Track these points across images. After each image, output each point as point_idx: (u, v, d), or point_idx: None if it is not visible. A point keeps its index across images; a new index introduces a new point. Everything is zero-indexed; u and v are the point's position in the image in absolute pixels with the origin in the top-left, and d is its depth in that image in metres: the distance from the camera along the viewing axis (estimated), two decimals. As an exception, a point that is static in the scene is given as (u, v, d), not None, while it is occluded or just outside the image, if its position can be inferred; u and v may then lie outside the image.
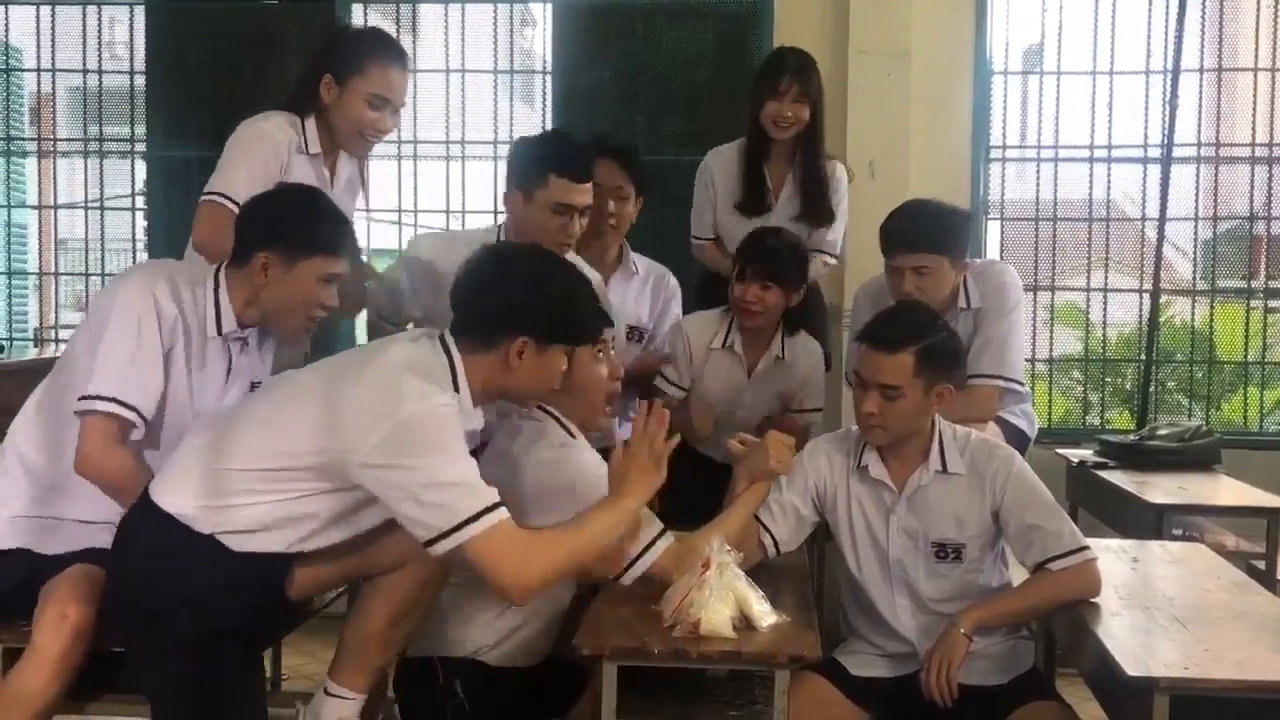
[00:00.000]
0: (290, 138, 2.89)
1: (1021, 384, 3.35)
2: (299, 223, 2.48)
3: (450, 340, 2.29)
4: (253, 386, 2.59)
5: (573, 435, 2.60)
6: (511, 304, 2.28)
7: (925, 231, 3.14)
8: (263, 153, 2.85)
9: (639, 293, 3.68)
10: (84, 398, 2.38)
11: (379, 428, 2.11)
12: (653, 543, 2.46)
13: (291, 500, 2.21)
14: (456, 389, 2.25)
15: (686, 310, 3.81)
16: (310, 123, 2.93)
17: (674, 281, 3.78)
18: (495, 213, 3.18)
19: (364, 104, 2.88)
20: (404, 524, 2.15)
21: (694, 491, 2.89)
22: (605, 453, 2.50)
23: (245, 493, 2.20)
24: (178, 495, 2.23)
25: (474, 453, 2.49)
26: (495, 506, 2.13)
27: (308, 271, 2.46)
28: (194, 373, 2.49)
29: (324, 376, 2.28)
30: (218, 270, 2.51)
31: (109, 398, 2.37)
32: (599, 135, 3.79)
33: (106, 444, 2.38)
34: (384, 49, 2.94)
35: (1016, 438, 3.25)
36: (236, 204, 2.78)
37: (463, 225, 5.24)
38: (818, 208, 3.75)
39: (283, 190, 2.59)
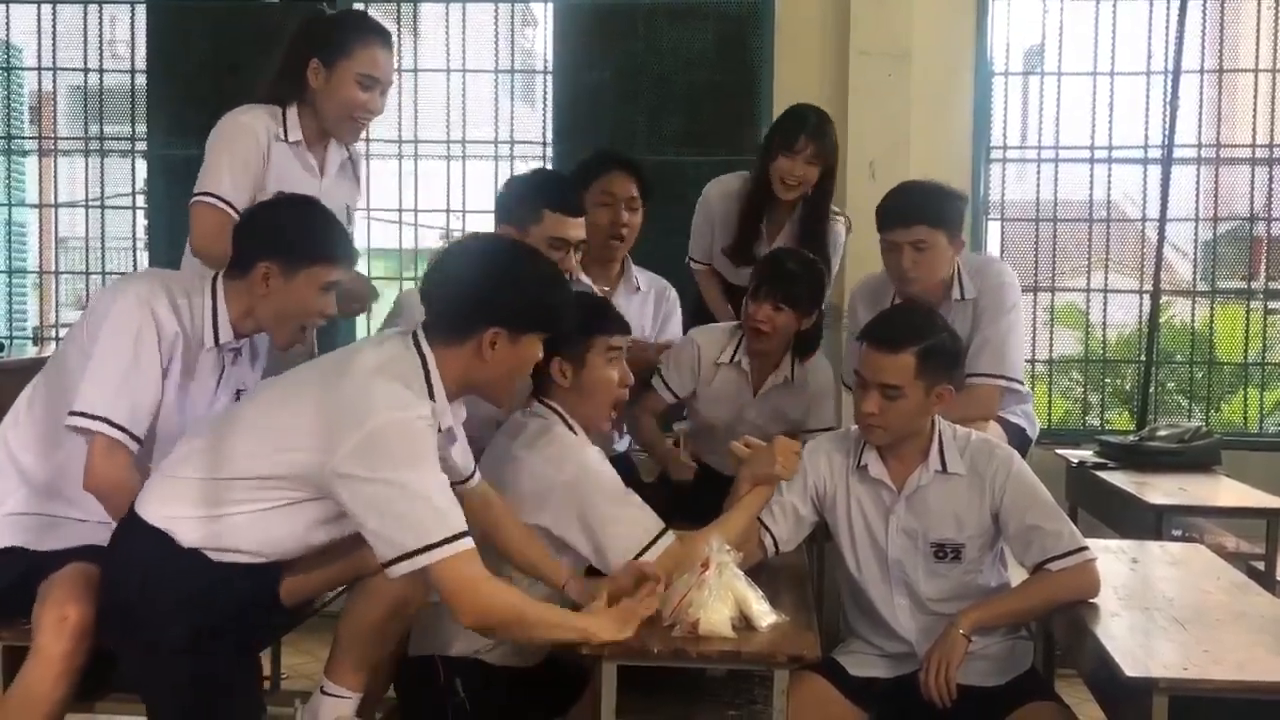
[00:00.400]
0: (268, 126, 2.88)
1: (1021, 383, 3.34)
2: (299, 232, 2.48)
3: (422, 337, 2.28)
4: (238, 395, 2.58)
5: (575, 433, 2.61)
6: (481, 294, 2.26)
7: (923, 206, 3.16)
8: (243, 145, 2.85)
9: (640, 306, 3.67)
10: (74, 413, 2.37)
11: (350, 437, 2.10)
12: (654, 541, 2.47)
13: (277, 509, 2.21)
14: (430, 386, 2.24)
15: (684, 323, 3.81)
16: (292, 111, 2.92)
17: (674, 295, 3.78)
18: (495, 212, 3.18)
19: (354, 85, 2.87)
20: (368, 539, 2.14)
21: (697, 502, 2.89)
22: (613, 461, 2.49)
23: (233, 502, 2.20)
24: (164, 506, 2.23)
25: (474, 450, 2.52)
26: (462, 535, 2.12)
27: (309, 280, 2.46)
28: (188, 384, 2.49)
29: (303, 384, 2.28)
30: (214, 279, 2.51)
31: (100, 417, 2.36)
32: (608, 146, 3.80)
33: (113, 462, 2.37)
34: (368, 29, 2.94)
35: (1018, 437, 3.25)
36: (224, 200, 2.79)
37: (463, 225, 5.25)
38: None
39: (282, 199, 2.58)
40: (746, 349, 3.39)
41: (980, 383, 3.20)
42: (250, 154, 2.84)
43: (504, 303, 2.26)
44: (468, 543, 2.13)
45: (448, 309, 2.28)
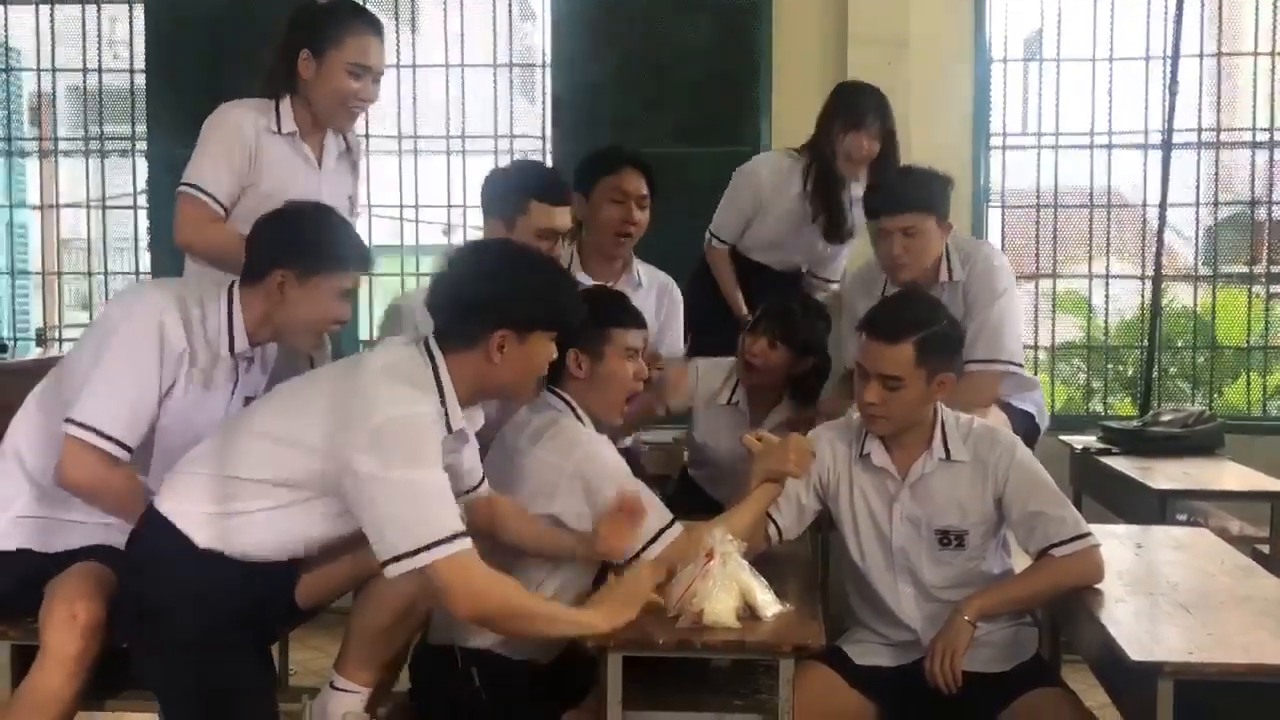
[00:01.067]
0: (256, 120, 2.89)
1: (1020, 366, 3.33)
2: (312, 240, 2.48)
3: (434, 344, 2.29)
4: (248, 402, 2.58)
5: (584, 424, 2.62)
6: (485, 299, 2.28)
7: (912, 192, 3.18)
8: (226, 139, 2.86)
9: (642, 302, 3.66)
10: (69, 420, 2.38)
11: (355, 433, 2.13)
12: (661, 532, 2.48)
13: (286, 507, 2.23)
14: (439, 386, 2.25)
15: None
16: (285, 103, 2.92)
17: (678, 293, 3.75)
18: (481, 208, 3.20)
19: (345, 74, 2.87)
20: (369, 536, 2.15)
21: (694, 512, 2.89)
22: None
23: (243, 498, 2.22)
24: (180, 501, 2.25)
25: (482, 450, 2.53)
26: (459, 535, 2.14)
27: (324, 287, 2.47)
28: (202, 394, 2.49)
29: (312, 389, 2.31)
30: (231, 287, 2.51)
31: (92, 428, 2.37)
32: (615, 142, 3.79)
33: (84, 466, 2.38)
34: (359, 18, 2.94)
35: (1025, 424, 3.24)
36: (204, 192, 2.83)
37: (463, 220, 5.25)
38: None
39: (293, 208, 2.59)
40: (744, 388, 3.41)
41: (978, 369, 3.20)
42: (233, 147, 2.85)
43: (507, 304, 2.27)
44: (465, 543, 2.14)
45: (454, 317, 2.30)
